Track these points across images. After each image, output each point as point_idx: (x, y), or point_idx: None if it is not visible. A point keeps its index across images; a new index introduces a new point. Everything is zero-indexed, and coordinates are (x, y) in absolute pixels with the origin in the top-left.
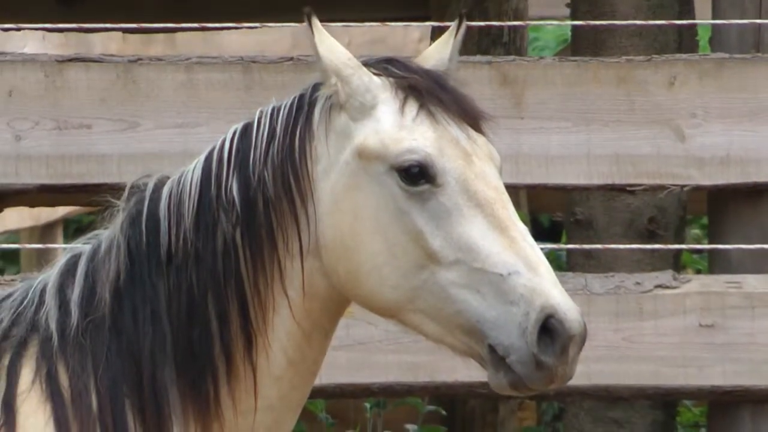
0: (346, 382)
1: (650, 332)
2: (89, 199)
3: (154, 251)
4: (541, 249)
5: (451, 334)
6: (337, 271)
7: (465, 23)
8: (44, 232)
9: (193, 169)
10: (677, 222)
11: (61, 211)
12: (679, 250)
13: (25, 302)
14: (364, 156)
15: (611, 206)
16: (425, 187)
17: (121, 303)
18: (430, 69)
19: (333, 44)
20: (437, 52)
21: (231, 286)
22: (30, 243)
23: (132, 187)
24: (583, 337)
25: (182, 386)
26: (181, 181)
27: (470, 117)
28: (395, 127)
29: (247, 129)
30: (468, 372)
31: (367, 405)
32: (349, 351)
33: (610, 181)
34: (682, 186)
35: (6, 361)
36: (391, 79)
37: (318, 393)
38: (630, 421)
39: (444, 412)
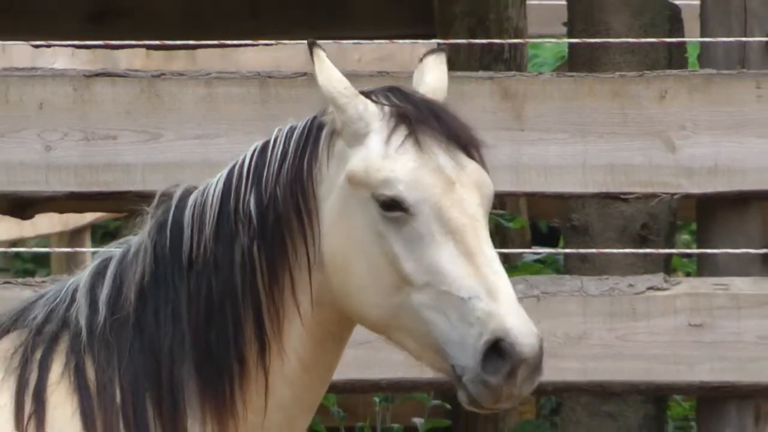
0: (356, 378)
1: (643, 331)
2: (117, 206)
3: (177, 256)
4: (540, 253)
5: (426, 352)
6: (334, 285)
7: (447, 53)
8: (73, 236)
9: (216, 182)
10: (668, 228)
11: (89, 217)
12: (670, 254)
13: (57, 300)
14: (353, 182)
15: (606, 213)
16: (399, 213)
17: (144, 303)
18: (429, 98)
19: (332, 73)
20: (439, 82)
21: (247, 294)
22: (59, 247)
23: (162, 195)
24: (536, 361)
25: (200, 383)
26: (205, 193)
27: (463, 145)
28: (379, 155)
29: (265, 147)
30: None
31: (377, 399)
32: (358, 349)
33: (604, 190)
34: (673, 194)
35: (38, 354)
36: (386, 107)
37: (330, 388)
38: (623, 415)
39: (449, 406)
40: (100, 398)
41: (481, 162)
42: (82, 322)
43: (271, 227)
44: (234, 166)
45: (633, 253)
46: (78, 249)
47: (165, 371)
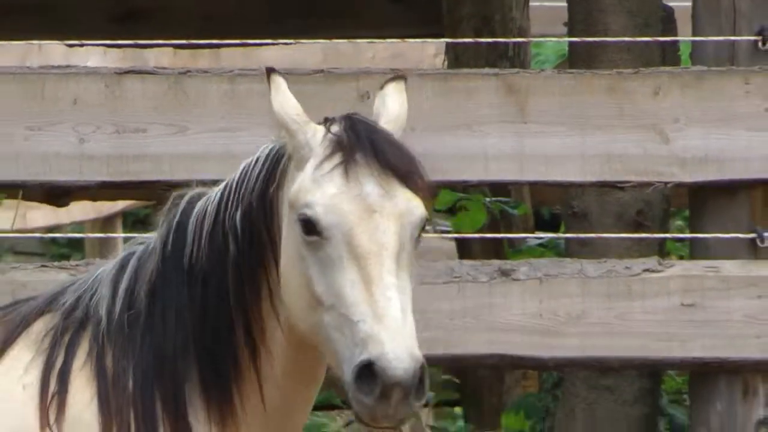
0: None
1: (638, 311)
2: (146, 195)
3: (180, 259)
4: (542, 237)
5: (336, 368)
6: (282, 297)
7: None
8: (105, 223)
9: (216, 193)
10: (662, 214)
11: (120, 205)
12: (664, 239)
13: (85, 288)
14: (289, 204)
15: (604, 200)
16: (315, 238)
17: (154, 300)
18: (376, 128)
19: (285, 101)
20: (400, 109)
21: (237, 300)
22: (93, 233)
23: (175, 197)
24: (410, 385)
25: (201, 383)
26: (208, 201)
27: (400, 175)
28: (309, 180)
29: (250, 164)
30: (478, 346)
31: None
32: None
33: (602, 179)
34: (666, 182)
35: (66, 338)
36: (330, 135)
37: None
38: (620, 388)
39: (457, 381)
40: (114, 387)
41: (423, 191)
42: (102, 312)
43: (248, 240)
44: (230, 180)
45: (629, 238)
46: (110, 235)
47: (169, 369)
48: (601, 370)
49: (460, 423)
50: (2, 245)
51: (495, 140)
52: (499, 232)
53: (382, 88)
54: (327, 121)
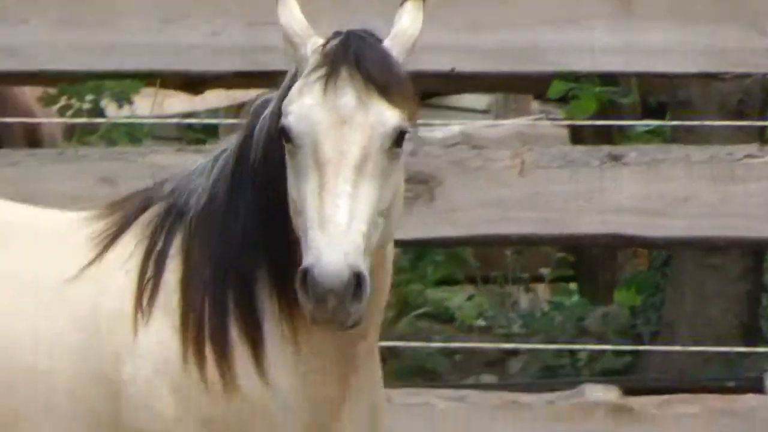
0: (490, 233)
1: (741, 194)
2: (277, 83)
3: (248, 161)
4: (650, 125)
5: None
6: None
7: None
8: (239, 109)
9: (274, 100)
10: (761, 103)
11: (253, 93)
12: (764, 127)
13: (185, 179)
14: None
15: (706, 90)
16: (290, 146)
17: (231, 197)
18: (372, 44)
19: (291, 14)
20: (411, 25)
21: (284, 204)
22: (227, 119)
23: (255, 100)
24: (341, 292)
25: (269, 279)
26: (270, 108)
27: (380, 87)
28: (296, 90)
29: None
30: (591, 226)
31: (507, 252)
32: (490, 207)
33: (704, 70)
34: (765, 74)
35: (167, 225)
36: (322, 48)
37: (467, 241)
38: (725, 266)
39: (572, 258)
40: (195, 274)
41: (402, 104)
42: (192, 202)
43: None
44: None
45: (731, 126)
46: (243, 121)
47: (240, 264)
48: (708, 249)
49: (575, 298)
50: (141, 130)
51: (601, 34)
52: (608, 120)
53: (402, 4)
54: (334, 35)
